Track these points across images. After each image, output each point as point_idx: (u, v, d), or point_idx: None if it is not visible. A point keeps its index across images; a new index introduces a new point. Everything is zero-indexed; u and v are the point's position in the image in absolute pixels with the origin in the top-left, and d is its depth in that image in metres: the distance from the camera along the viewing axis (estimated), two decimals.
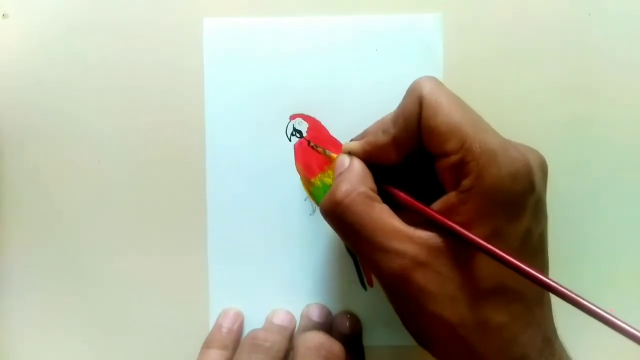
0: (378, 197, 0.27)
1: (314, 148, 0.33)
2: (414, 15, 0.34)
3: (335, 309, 0.34)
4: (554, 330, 0.27)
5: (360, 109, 0.33)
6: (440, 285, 0.25)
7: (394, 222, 0.26)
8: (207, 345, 0.32)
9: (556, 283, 0.23)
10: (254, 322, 0.33)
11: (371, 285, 0.34)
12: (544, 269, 0.27)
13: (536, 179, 0.25)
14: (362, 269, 0.34)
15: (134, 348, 0.34)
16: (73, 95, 0.34)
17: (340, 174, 0.28)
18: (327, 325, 0.33)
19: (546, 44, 0.34)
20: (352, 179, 0.27)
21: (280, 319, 0.33)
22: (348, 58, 0.34)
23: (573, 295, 0.23)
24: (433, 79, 0.27)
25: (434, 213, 0.25)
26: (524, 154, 0.25)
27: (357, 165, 0.28)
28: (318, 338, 0.29)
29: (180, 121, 0.34)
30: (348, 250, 0.34)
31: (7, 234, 0.34)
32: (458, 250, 0.25)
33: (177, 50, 0.34)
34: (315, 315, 0.33)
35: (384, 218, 0.26)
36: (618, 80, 0.34)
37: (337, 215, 0.26)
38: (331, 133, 0.33)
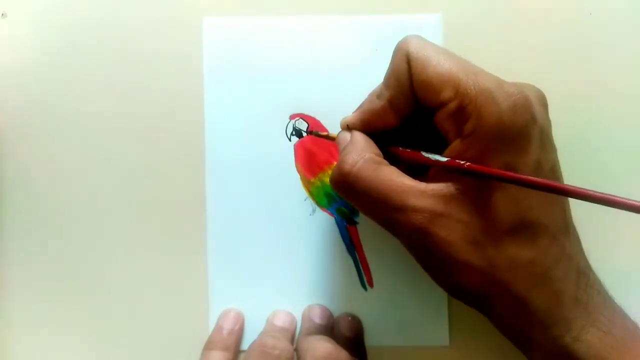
0: (385, 161, 0.27)
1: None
2: (414, 15, 0.34)
3: (335, 310, 0.33)
4: (587, 263, 0.27)
5: None
6: (462, 233, 0.25)
7: (404, 180, 0.26)
8: (208, 346, 0.32)
9: (581, 188, 0.23)
10: (254, 323, 0.33)
11: (371, 285, 0.33)
12: (564, 201, 0.27)
13: (536, 110, 0.26)
14: (362, 269, 0.34)
15: (133, 349, 0.34)
16: (72, 95, 0.34)
17: (344, 148, 0.28)
18: (329, 327, 0.33)
19: (547, 43, 0.34)
20: (356, 148, 0.27)
21: (281, 321, 0.33)
22: (348, 58, 0.34)
23: (601, 195, 0.22)
24: (417, 36, 0.27)
25: (445, 160, 0.25)
26: (520, 88, 0.25)
27: (358, 135, 0.28)
28: (325, 348, 0.29)
29: (180, 121, 0.34)
30: (348, 250, 0.34)
31: (6, 235, 0.34)
32: (472, 196, 0.25)
33: (177, 50, 0.34)
34: (317, 316, 0.33)
35: (394, 178, 0.26)
36: (619, 79, 0.34)
37: (348, 185, 0.26)
38: (331, 133, 0.33)
